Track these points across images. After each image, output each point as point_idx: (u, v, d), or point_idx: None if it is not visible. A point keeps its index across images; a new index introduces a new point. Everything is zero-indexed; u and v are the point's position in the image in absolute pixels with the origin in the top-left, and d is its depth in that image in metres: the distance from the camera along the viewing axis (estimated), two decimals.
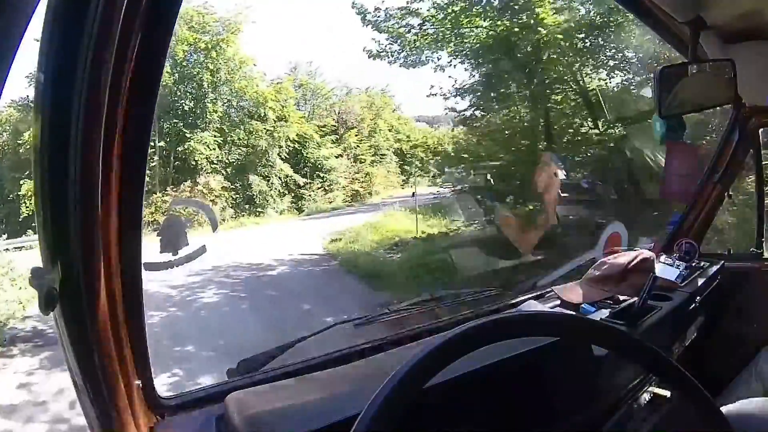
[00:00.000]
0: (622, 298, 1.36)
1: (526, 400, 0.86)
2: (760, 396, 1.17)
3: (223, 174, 16.47)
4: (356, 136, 18.82)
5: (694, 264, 1.74)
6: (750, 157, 2.00)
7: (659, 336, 1.29)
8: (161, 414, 0.79)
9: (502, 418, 0.83)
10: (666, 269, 1.62)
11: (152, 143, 14.66)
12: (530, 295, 1.48)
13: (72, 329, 0.64)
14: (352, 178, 18.71)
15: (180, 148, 16.05)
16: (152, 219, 13.95)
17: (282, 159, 17.39)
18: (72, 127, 0.56)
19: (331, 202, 17.98)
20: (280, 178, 17.28)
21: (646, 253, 1.53)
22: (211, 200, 15.65)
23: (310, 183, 17.80)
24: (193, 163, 16.10)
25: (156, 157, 15.07)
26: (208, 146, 16.40)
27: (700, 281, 1.63)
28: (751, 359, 1.88)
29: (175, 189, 15.74)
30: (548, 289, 1.50)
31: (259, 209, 16.77)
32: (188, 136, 16.38)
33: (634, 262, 1.42)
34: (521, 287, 1.53)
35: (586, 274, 1.51)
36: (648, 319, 1.26)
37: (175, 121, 16.75)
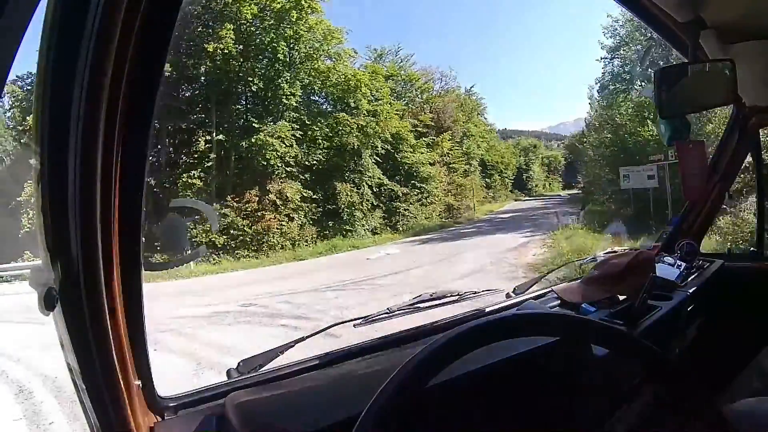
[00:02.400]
0: (622, 298, 1.36)
1: (526, 400, 0.86)
2: (760, 395, 1.17)
3: (300, 180, 13.31)
4: (449, 140, 15.29)
5: (694, 264, 1.74)
6: (750, 157, 2.01)
7: (659, 336, 1.29)
8: (161, 414, 0.79)
9: (503, 418, 0.83)
10: (666, 269, 1.62)
11: (208, 136, 13.17)
12: (530, 295, 1.48)
13: (72, 329, 0.64)
14: (446, 190, 15.18)
15: (244, 144, 13.00)
16: (207, 240, 11.49)
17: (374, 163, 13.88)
18: (72, 127, 0.56)
19: (426, 218, 14.32)
20: (371, 186, 13.84)
21: (646, 253, 1.53)
22: (286, 214, 12.96)
23: (407, 194, 14.21)
24: (263, 163, 12.97)
25: (212, 155, 12.94)
26: (283, 141, 13.01)
27: (700, 281, 1.63)
28: (751, 359, 1.88)
29: (237, 198, 12.96)
30: (548, 289, 1.50)
31: (347, 226, 13.35)
32: (256, 126, 13.02)
33: (634, 262, 1.42)
34: (521, 287, 1.53)
35: (586, 274, 1.51)
36: (648, 319, 1.26)
37: (238, 107, 13.43)
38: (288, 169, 13.41)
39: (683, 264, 1.67)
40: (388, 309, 1.17)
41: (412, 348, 0.66)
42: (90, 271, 0.61)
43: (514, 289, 1.54)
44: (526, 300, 1.43)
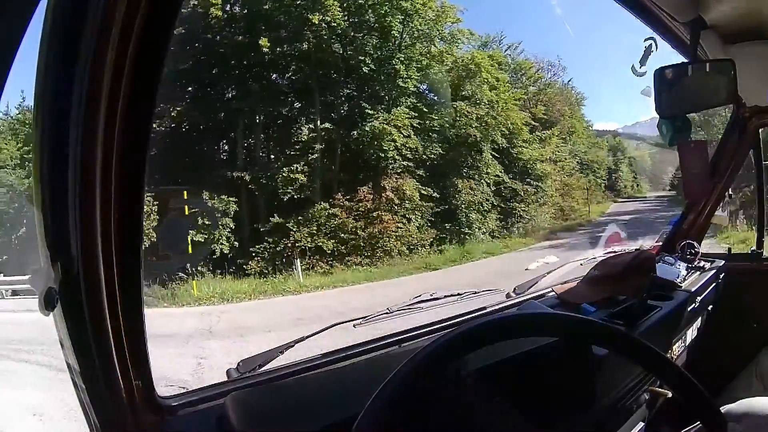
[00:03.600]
0: (622, 298, 1.36)
1: (526, 400, 0.86)
2: (760, 396, 1.17)
3: (416, 176, 11.49)
4: (557, 135, 13.67)
5: (694, 264, 1.74)
6: (750, 157, 2.01)
7: (659, 336, 1.29)
8: (161, 414, 0.79)
9: (503, 418, 0.83)
10: (666, 269, 1.62)
11: (312, 125, 11.45)
12: (530, 295, 1.48)
13: (72, 329, 0.64)
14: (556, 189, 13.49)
15: (355, 133, 11.18)
16: (312, 246, 10.29)
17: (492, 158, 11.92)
18: (72, 126, 0.56)
19: (541, 220, 12.70)
20: (489, 185, 12.06)
21: (647, 253, 1.53)
22: (402, 214, 11.16)
23: (526, 192, 12.49)
24: (379, 155, 11.07)
25: (317, 146, 11.13)
26: (400, 130, 11.09)
27: (700, 281, 1.63)
28: (751, 359, 1.88)
29: (348, 197, 11.27)
30: (548, 289, 1.50)
31: (465, 229, 11.57)
32: (370, 113, 11.11)
33: (635, 262, 1.42)
34: (521, 287, 1.53)
35: (586, 274, 1.52)
36: (648, 319, 1.26)
37: (346, 91, 11.53)
38: (403, 163, 11.44)
39: (683, 264, 1.67)
40: (387, 309, 1.17)
41: (412, 348, 0.66)
42: (90, 271, 0.61)
43: (514, 289, 1.54)
44: (526, 300, 1.43)
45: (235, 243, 11.22)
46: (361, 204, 11.51)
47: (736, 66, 1.25)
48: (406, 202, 11.44)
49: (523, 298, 1.45)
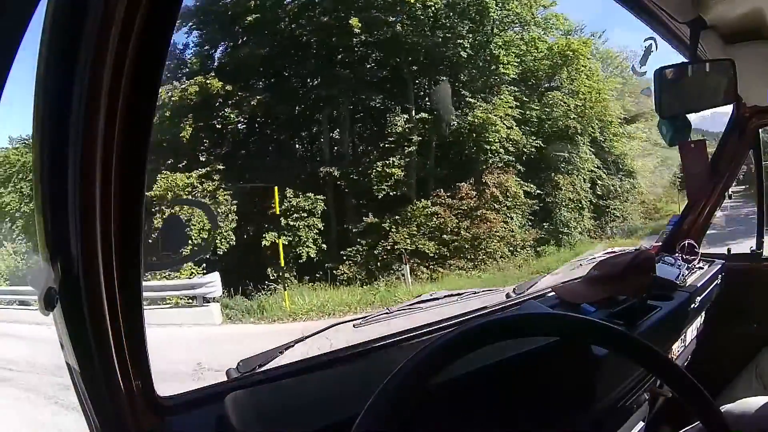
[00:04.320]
0: (622, 298, 1.36)
1: (526, 400, 0.86)
2: (760, 395, 1.17)
3: (517, 171, 10.47)
4: (641, 130, 12.54)
5: (694, 264, 1.74)
6: (750, 157, 2.01)
7: (659, 336, 1.29)
8: (161, 414, 0.79)
9: (503, 418, 0.83)
10: (666, 269, 1.61)
11: (407, 115, 10.15)
12: (530, 295, 1.48)
13: (72, 329, 0.64)
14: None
15: (456, 123, 10.21)
16: (412, 248, 9.09)
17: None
18: (72, 126, 0.56)
19: (624, 219, 11.61)
20: (585, 180, 11.07)
21: (647, 253, 1.53)
22: (504, 213, 10.14)
23: (620, 188, 11.45)
24: (482, 147, 10.04)
25: (415, 137, 10.12)
26: (503, 121, 10.11)
27: (700, 281, 1.63)
28: (751, 359, 1.88)
29: (449, 194, 10.19)
30: (548, 289, 1.50)
31: (564, 229, 10.57)
32: (471, 101, 10.09)
33: (634, 262, 1.42)
34: (521, 287, 1.53)
35: (586, 274, 1.51)
36: (648, 319, 1.26)
37: (444, 78, 10.51)
38: (504, 156, 10.42)
39: (683, 264, 1.67)
40: (387, 309, 1.17)
41: (412, 348, 0.66)
42: (90, 271, 0.61)
43: (514, 289, 1.54)
44: (526, 300, 1.43)
45: (323, 246, 10.23)
46: (464, 202, 10.31)
47: (736, 66, 1.25)
48: (509, 199, 10.40)
49: (522, 298, 1.45)
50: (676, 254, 1.77)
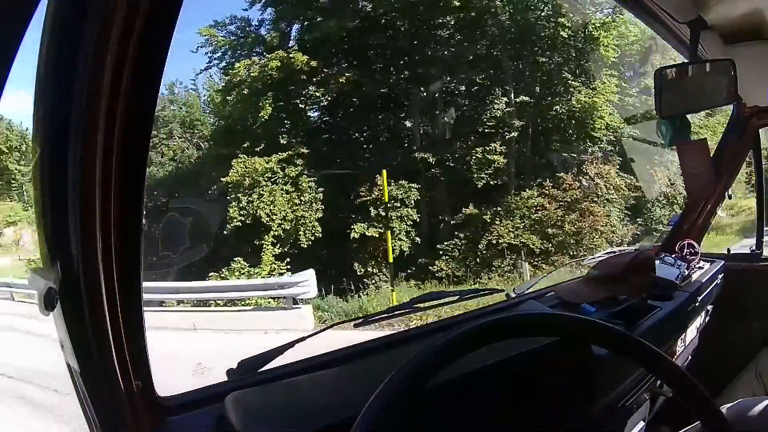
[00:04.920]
0: (622, 298, 1.36)
1: (526, 400, 0.86)
2: (760, 395, 1.17)
3: (616, 160, 9.61)
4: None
5: (694, 264, 1.74)
6: (750, 157, 2.01)
7: (659, 336, 1.29)
8: (161, 414, 0.79)
9: (502, 418, 0.83)
10: (666, 269, 1.61)
11: (505, 98, 9.20)
12: (530, 295, 1.48)
13: (72, 329, 0.64)
14: None
15: (559, 108, 9.38)
16: (515, 243, 8.23)
17: None
18: (72, 126, 0.56)
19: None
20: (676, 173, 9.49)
21: (646, 253, 1.53)
22: (604, 206, 9.32)
23: None
24: (586, 134, 9.35)
25: (515, 122, 9.35)
26: (605, 105, 9.33)
27: (700, 281, 1.63)
28: (751, 359, 1.89)
29: (553, 183, 9.28)
30: (548, 289, 1.50)
31: (657, 227, 9.70)
32: (573, 83, 9.32)
33: (635, 262, 1.42)
34: (521, 287, 1.53)
35: (586, 274, 1.51)
36: (648, 319, 1.26)
37: (543, 59, 9.67)
38: (607, 145, 9.70)
39: (683, 264, 1.67)
40: (388, 309, 1.17)
41: (412, 348, 0.66)
42: (90, 271, 0.61)
43: (514, 289, 1.54)
44: (526, 300, 1.43)
45: (417, 239, 9.33)
46: (567, 193, 9.36)
47: (736, 66, 1.25)
48: (611, 191, 9.51)
49: (522, 298, 1.45)
50: (676, 254, 1.77)
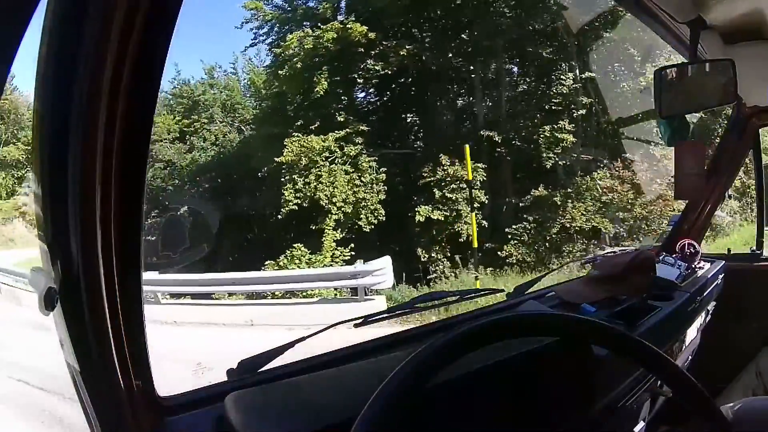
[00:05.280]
0: (622, 298, 1.36)
1: (525, 400, 0.86)
2: (760, 395, 1.17)
3: None
4: None
5: (694, 264, 1.74)
6: (750, 157, 2.01)
7: (659, 336, 1.29)
8: (161, 414, 0.79)
9: (502, 419, 0.83)
10: (666, 269, 1.61)
11: (571, 74, 8.53)
12: (530, 296, 1.48)
13: (72, 329, 0.64)
14: None
15: (624, 86, 8.92)
16: (586, 227, 7.73)
17: None
18: (72, 126, 0.56)
19: None
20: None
21: (647, 253, 1.53)
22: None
23: None
24: (653, 114, 6.80)
25: (583, 99, 8.79)
26: None
27: (700, 281, 1.63)
28: (751, 359, 1.89)
29: (623, 164, 8.65)
30: (548, 289, 1.50)
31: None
32: (637, 59, 8.49)
33: (635, 262, 1.42)
34: (521, 287, 1.53)
35: (587, 274, 1.51)
36: (648, 319, 1.26)
37: (607, 30, 8.82)
38: None
39: (683, 264, 1.67)
40: (388, 309, 1.17)
41: (413, 348, 0.66)
42: (90, 271, 0.61)
43: (514, 289, 1.54)
44: (526, 300, 1.43)
45: (483, 223, 8.55)
46: (637, 175, 8.89)
47: (736, 66, 1.25)
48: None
49: (522, 298, 1.45)
50: (676, 254, 1.77)
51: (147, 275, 6.32)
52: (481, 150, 8.95)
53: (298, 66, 9.25)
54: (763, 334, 1.88)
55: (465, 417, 0.79)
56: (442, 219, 8.57)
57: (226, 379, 0.93)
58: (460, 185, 8.62)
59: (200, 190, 10.42)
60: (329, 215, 8.90)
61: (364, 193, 9.02)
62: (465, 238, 8.30)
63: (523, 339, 0.74)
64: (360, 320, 1.11)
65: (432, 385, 0.61)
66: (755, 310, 1.89)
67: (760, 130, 1.92)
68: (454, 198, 8.61)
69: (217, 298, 6.88)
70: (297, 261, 8.35)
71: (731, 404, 1.15)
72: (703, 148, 1.50)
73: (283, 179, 9.08)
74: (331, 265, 8.16)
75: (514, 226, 8.73)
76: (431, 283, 7.72)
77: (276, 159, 9.03)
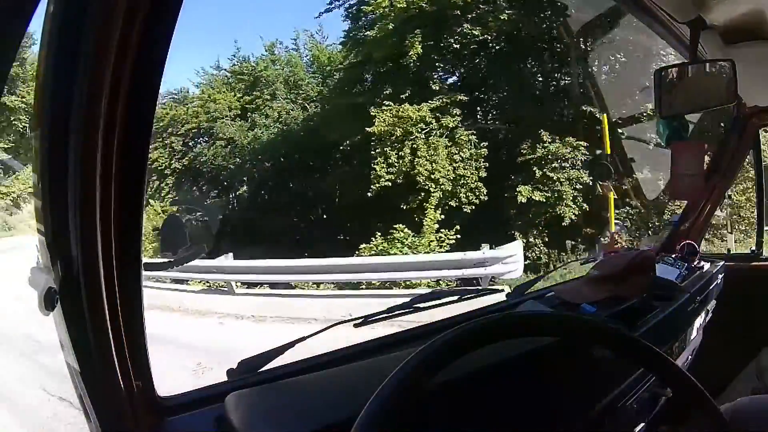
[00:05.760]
0: (622, 298, 1.35)
1: (526, 400, 0.86)
2: (760, 395, 1.17)
3: None
4: None
5: (694, 264, 1.74)
6: (750, 157, 2.01)
7: (659, 336, 1.29)
8: (161, 414, 0.79)
9: (502, 419, 0.83)
10: (666, 269, 1.62)
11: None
12: (530, 296, 1.48)
13: (72, 329, 0.64)
14: None
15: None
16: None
17: None
18: (72, 126, 0.56)
19: None
20: None
21: (647, 253, 1.53)
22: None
23: None
24: None
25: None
26: None
27: (700, 281, 1.63)
28: (751, 359, 1.89)
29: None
30: (548, 289, 1.50)
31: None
32: None
33: (635, 262, 1.42)
34: (521, 287, 1.53)
35: (587, 274, 1.51)
36: (648, 319, 1.26)
37: None
38: None
39: (683, 264, 1.67)
40: (388, 309, 1.17)
41: (412, 348, 0.66)
42: (90, 271, 0.61)
43: (514, 289, 1.54)
44: (526, 300, 1.43)
45: (584, 206, 7.74)
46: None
47: (736, 66, 1.25)
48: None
49: (522, 298, 1.45)
50: (676, 254, 1.77)
51: (218, 261, 5.69)
52: (581, 127, 8.10)
53: (389, 27, 8.43)
54: (763, 334, 1.88)
55: (465, 417, 0.79)
56: (543, 200, 7.79)
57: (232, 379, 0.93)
58: (562, 164, 7.86)
59: (263, 167, 9.95)
60: (429, 193, 8.09)
61: (464, 169, 8.21)
62: (568, 222, 7.52)
63: (523, 339, 0.74)
64: (360, 320, 1.11)
65: (432, 385, 0.61)
66: (755, 310, 1.89)
67: (760, 130, 1.92)
68: (555, 178, 7.76)
69: (294, 287, 6.07)
70: (399, 245, 7.41)
71: (731, 404, 1.15)
72: (701, 148, 1.50)
73: (373, 152, 8.24)
74: (431, 249, 7.30)
75: (617, 211, 7.64)
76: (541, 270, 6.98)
77: (366, 129, 8.15)
